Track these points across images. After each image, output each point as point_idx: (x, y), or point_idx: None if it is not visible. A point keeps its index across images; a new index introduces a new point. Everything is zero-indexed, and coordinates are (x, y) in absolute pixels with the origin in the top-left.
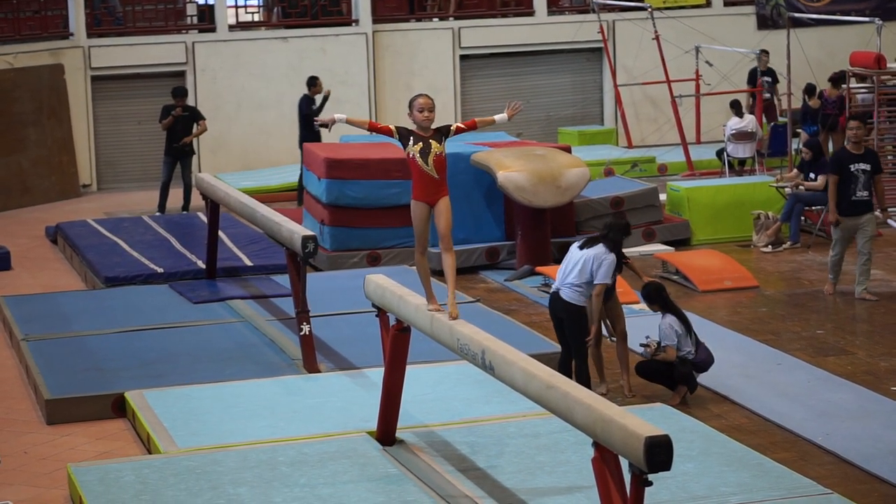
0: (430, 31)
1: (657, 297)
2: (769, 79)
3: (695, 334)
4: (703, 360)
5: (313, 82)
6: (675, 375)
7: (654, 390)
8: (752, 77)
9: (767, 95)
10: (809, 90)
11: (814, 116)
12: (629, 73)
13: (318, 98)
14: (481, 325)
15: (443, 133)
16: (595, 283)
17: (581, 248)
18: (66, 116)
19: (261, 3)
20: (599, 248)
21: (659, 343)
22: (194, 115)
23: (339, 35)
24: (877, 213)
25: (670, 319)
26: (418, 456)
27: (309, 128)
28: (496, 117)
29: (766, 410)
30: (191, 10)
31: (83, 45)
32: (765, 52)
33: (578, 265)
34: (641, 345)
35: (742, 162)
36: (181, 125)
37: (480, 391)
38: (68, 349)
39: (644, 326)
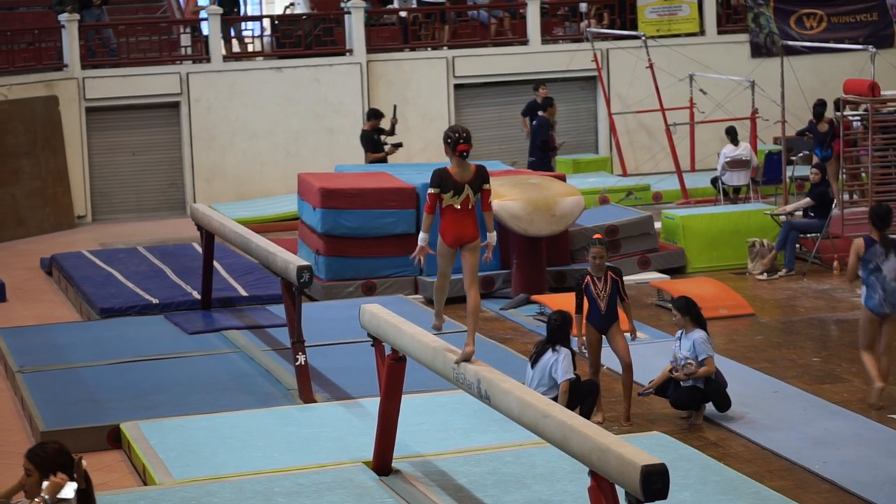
0: (424, 60)
1: (689, 310)
2: None
3: None
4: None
5: (550, 103)
6: (708, 393)
7: (652, 418)
8: None
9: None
10: (818, 113)
11: (822, 140)
12: (623, 101)
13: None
14: (477, 355)
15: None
16: (559, 381)
17: (532, 367)
18: (60, 148)
19: (255, 34)
20: (548, 355)
21: (696, 359)
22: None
23: (332, 65)
24: None
25: (702, 333)
26: (414, 486)
27: (545, 150)
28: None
29: (762, 438)
30: (185, 40)
31: (77, 77)
32: None
33: (535, 379)
34: (676, 369)
35: (737, 190)
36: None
37: (476, 420)
38: (63, 381)
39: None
